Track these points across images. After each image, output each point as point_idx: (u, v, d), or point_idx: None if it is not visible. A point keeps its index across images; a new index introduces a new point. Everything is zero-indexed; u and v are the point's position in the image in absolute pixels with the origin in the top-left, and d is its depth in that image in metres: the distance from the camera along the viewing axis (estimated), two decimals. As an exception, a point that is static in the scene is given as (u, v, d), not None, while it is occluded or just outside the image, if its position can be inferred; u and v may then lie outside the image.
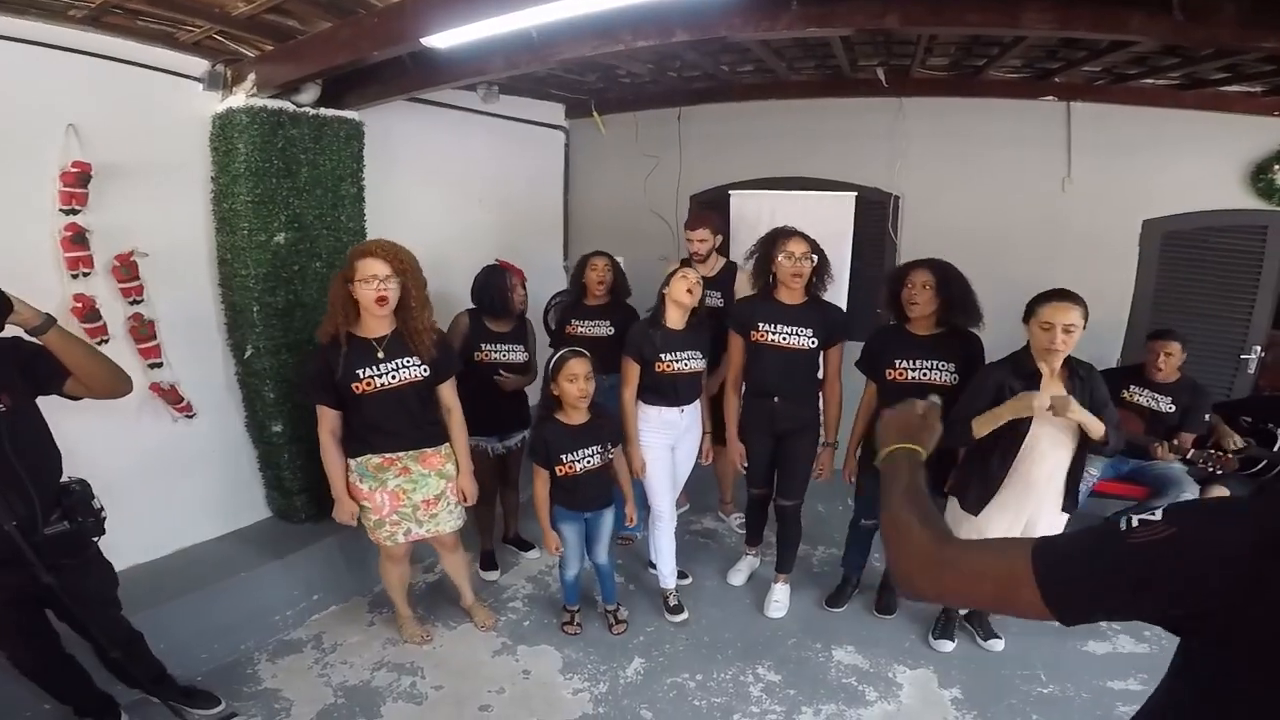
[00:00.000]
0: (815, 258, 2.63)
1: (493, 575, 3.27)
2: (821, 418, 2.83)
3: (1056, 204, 3.60)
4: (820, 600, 3.08)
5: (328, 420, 2.33)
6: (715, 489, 3.83)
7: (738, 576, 3.26)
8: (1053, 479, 2.34)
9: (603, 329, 3.25)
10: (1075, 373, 2.28)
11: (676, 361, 2.68)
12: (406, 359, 2.34)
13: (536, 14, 1.99)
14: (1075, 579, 0.70)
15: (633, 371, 2.71)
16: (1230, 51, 2.58)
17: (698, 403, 2.88)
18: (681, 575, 3.18)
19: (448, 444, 2.53)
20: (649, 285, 3.43)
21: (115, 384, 1.87)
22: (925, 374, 2.53)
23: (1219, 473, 2.88)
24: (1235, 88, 3.21)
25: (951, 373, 2.52)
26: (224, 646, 2.66)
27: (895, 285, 2.60)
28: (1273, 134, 3.22)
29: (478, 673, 2.65)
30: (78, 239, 2.32)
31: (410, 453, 2.43)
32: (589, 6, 1.92)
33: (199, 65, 2.55)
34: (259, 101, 2.55)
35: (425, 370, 2.37)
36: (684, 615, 2.94)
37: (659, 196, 4.52)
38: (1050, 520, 2.40)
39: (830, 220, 3.85)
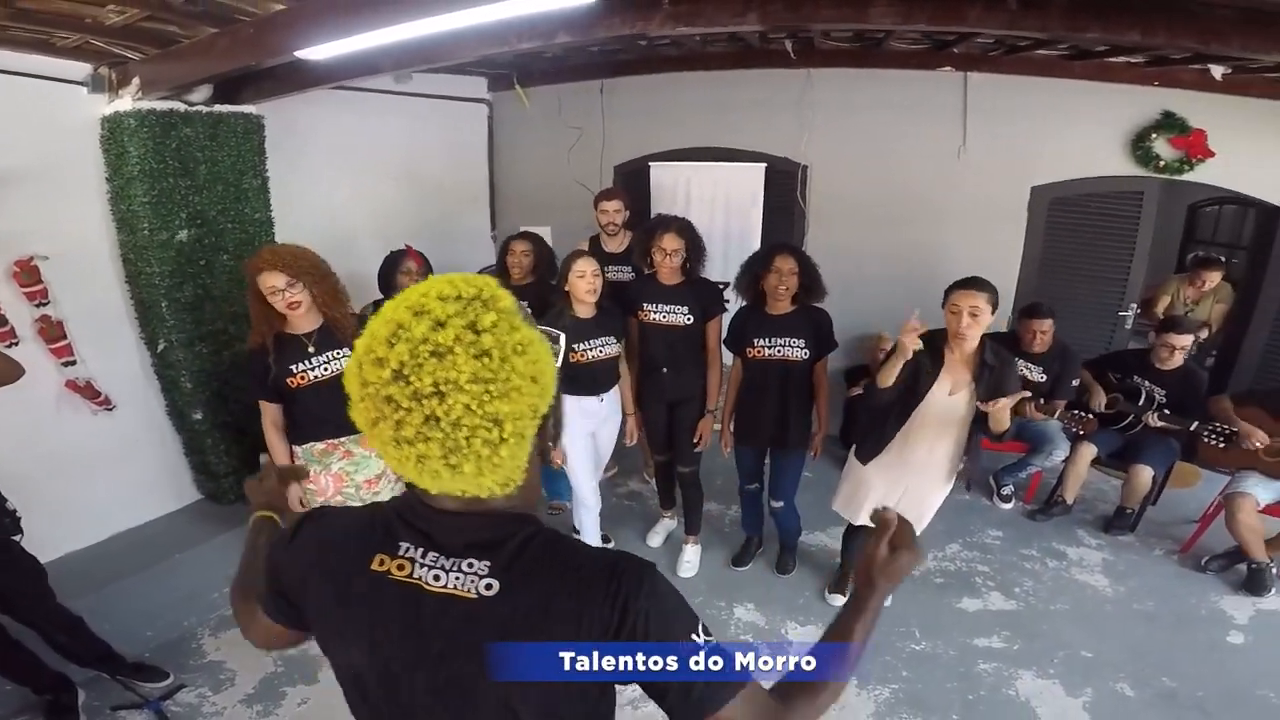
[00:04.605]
0: (685, 252, 2.79)
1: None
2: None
3: (952, 172, 3.75)
4: (728, 559, 3.33)
5: (269, 413, 2.42)
6: (641, 452, 4.04)
7: (655, 538, 3.49)
8: (933, 453, 2.48)
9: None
10: (985, 362, 2.33)
11: (590, 350, 2.76)
12: (338, 350, 2.42)
13: (405, 30, 2.03)
14: None
15: None
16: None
17: (616, 389, 2.95)
18: (605, 540, 3.35)
19: None
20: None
21: (8, 370, 1.93)
22: (780, 350, 2.73)
23: (1081, 434, 3.15)
24: (1120, 58, 3.34)
25: (802, 348, 2.71)
26: (167, 624, 2.82)
27: (759, 269, 2.73)
28: (1153, 103, 3.37)
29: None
30: (-28, 249, 2.37)
31: (351, 436, 2.54)
32: (448, 24, 1.97)
33: (82, 69, 2.54)
34: (148, 104, 2.56)
35: None
36: None
37: (583, 168, 4.57)
38: (932, 493, 2.57)
39: (741, 190, 3.99)
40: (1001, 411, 2.27)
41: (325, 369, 2.42)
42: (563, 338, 0.88)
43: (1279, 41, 1.84)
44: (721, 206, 3.99)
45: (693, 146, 4.28)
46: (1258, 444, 2.96)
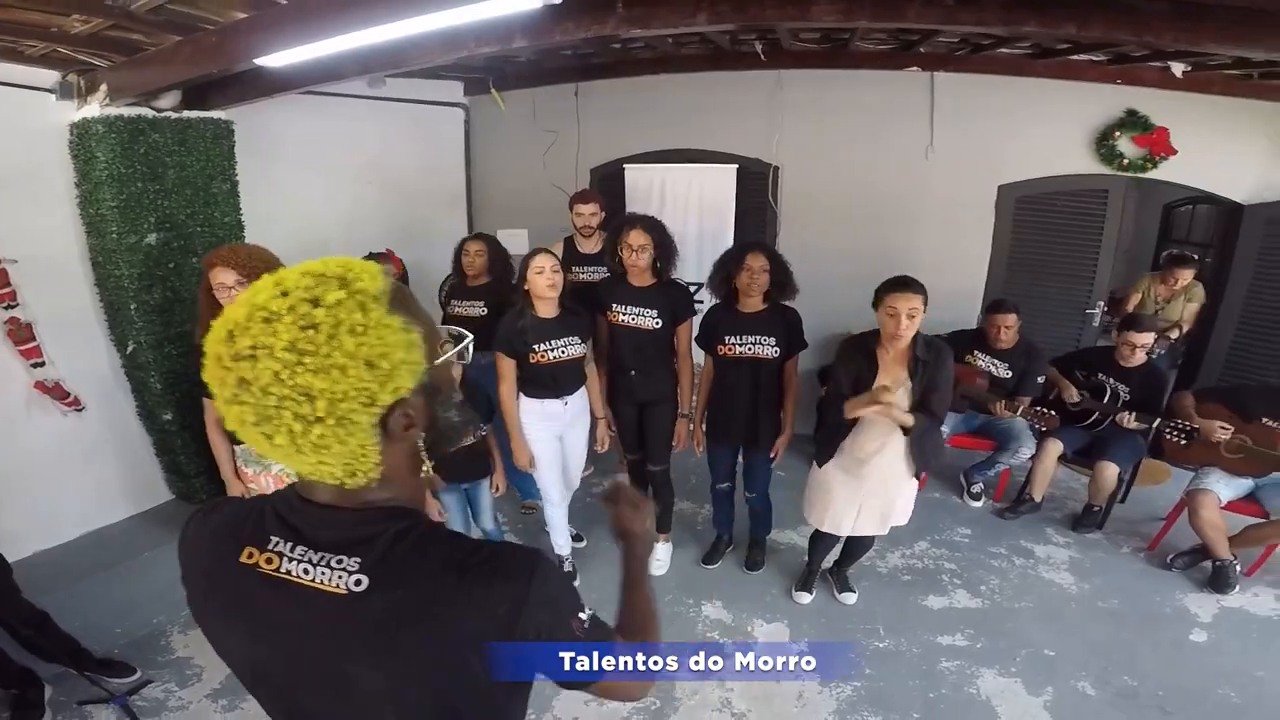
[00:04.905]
0: (654, 250, 2.77)
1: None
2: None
3: (920, 171, 3.78)
4: (699, 558, 3.34)
5: (210, 411, 2.46)
6: (616, 450, 4.05)
7: (628, 536, 3.51)
8: (886, 452, 2.50)
9: (476, 309, 3.35)
10: (918, 357, 2.37)
11: (551, 350, 2.69)
12: None
13: (361, 37, 2.06)
14: None
15: (506, 366, 2.70)
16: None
17: (582, 391, 2.88)
18: (577, 539, 3.38)
19: None
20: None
21: None
22: (751, 348, 2.75)
23: (1045, 430, 3.17)
24: (1082, 56, 3.36)
25: (773, 346, 2.74)
26: (136, 621, 2.83)
27: (732, 268, 2.75)
28: (1116, 101, 3.40)
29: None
30: (-61, 254, 2.42)
31: None
32: (403, 31, 1.99)
33: (50, 76, 2.59)
34: (116, 110, 2.60)
35: None
36: (575, 580, 3.11)
37: (559, 170, 4.60)
38: (896, 490, 2.60)
39: (714, 191, 4.04)
40: (883, 414, 2.33)
41: None
42: (470, 339, 0.89)
43: (1211, 35, 1.88)
44: (695, 207, 4.04)
45: (667, 148, 4.32)
46: (1221, 435, 2.97)
